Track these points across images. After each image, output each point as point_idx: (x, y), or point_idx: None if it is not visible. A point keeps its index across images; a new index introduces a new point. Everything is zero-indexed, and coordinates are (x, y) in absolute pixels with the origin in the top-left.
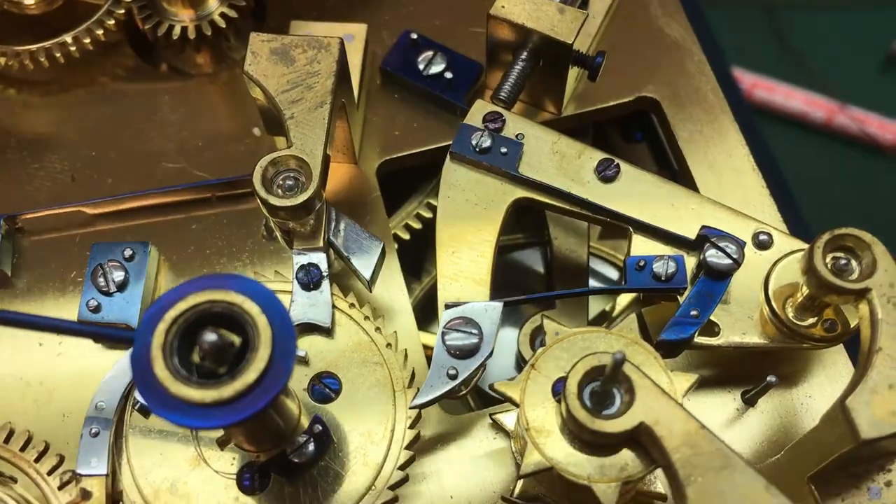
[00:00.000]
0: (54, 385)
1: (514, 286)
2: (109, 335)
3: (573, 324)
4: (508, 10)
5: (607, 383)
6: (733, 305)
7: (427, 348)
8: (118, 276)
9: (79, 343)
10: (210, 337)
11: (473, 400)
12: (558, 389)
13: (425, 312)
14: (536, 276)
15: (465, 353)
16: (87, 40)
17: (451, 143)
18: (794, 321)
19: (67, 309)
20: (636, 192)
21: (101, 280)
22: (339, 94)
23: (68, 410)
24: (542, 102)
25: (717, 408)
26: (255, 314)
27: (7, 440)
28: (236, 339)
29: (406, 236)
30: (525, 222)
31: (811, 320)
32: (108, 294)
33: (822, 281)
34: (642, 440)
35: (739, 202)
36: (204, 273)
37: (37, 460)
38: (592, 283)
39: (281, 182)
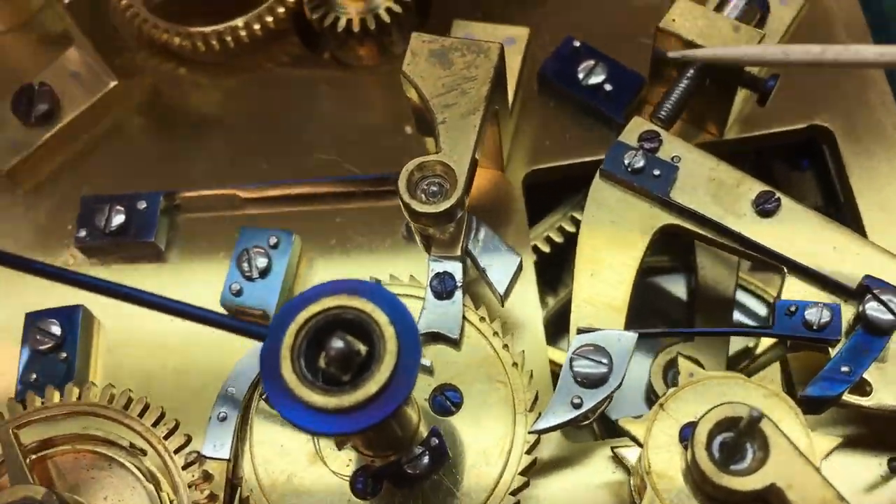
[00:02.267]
0: (193, 357)
1: (653, 311)
2: (245, 330)
3: (712, 360)
4: (679, 24)
5: (741, 437)
6: (890, 365)
7: (554, 364)
8: (261, 262)
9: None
10: (338, 344)
11: (598, 428)
12: (686, 435)
13: (557, 327)
14: (678, 304)
15: (592, 382)
16: (257, 26)
17: (603, 158)
18: None
19: (213, 287)
20: (796, 231)
21: (246, 265)
22: (494, 101)
23: (202, 384)
24: (703, 122)
25: (861, 472)
26: (383, 324)
27: (141, 414)
28: (363, 348)
29: (546, 249)
30: (673, 246)
31: None
32: (250, 279)
33: None
34: (771, 503)
35: None
36: (342, 268)
37: (166, 437)
38: (738, 316)
39: (425, 187)
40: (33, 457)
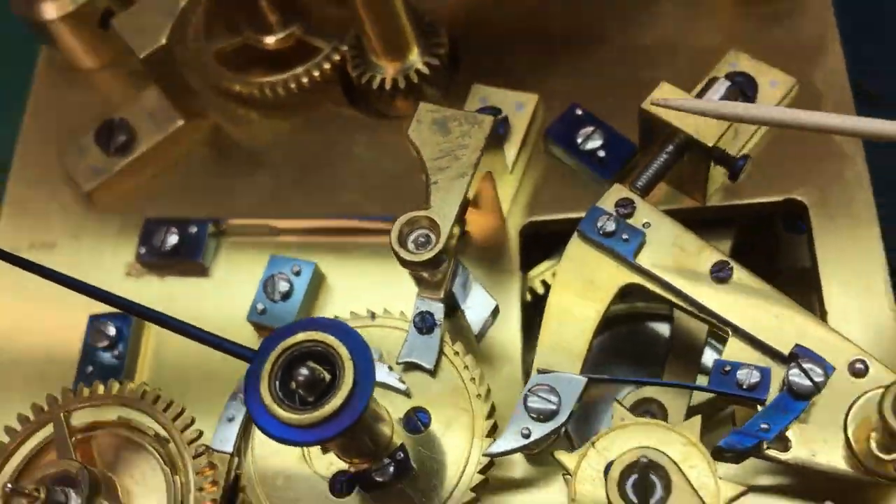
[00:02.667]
0: (220, 365)
1: (637, 356)
2: (237, 353)
3: (676, 403)
4: (658, 107)
5: (646, 478)
6: (811, 425)
7: None
8: (283, 287)
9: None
10: (304, 371)
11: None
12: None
13: None
14: (663, 349)
15: (542, 417)
16: (306, 79)
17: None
18: (871, 454)
19: (247, 302)
20: (743, 298)
21: (270, 289)
22: (485, 166)
23: (225, 389)
24: (688, 190)
25: None
26: (344, 357)
27: (165, 409)
28: (327, 376)
29: (541, 291)
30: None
31: (891, 457)
32: (273, 301)
33: (886, 426)
34: None
35: (861, 328)
36: (357, 296)
37: (183, 430)
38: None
39: (415, 238)
40: (79, 436)
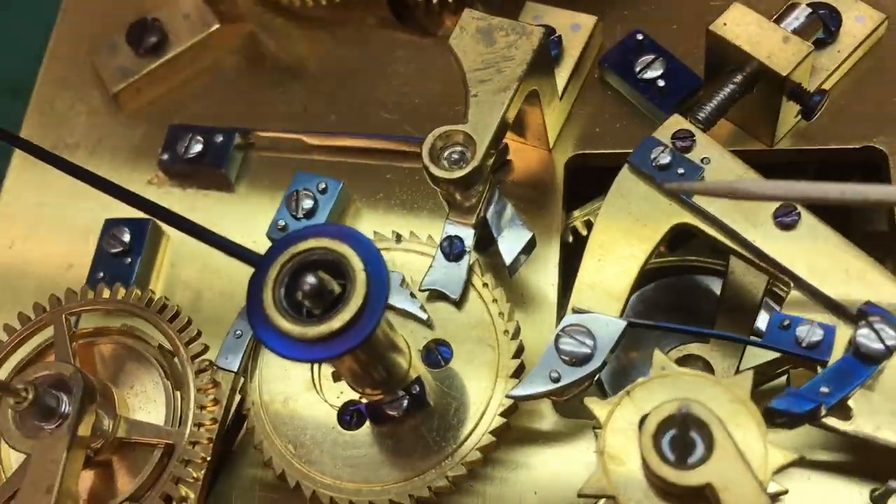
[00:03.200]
0: (237, 283)
1: (684, 310)
2: (243, 256)
3: (724, 362)
4: (730, 28)
5: (685, 434)
6: (877, 395)
7: None
8: (307, 204)
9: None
10: (311, 280)
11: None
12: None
13: None
14: (711, 304)
15: (573, 360)
16: None
17: None
18: None
19: (270, 218)
20: (810, 248)
21: (293, 205)
22: (530, 83)
23: (237, 306)
24: (755, 130)
25: (841, 499)
26: (356, 268)
27: (171, 320)
28: (336, 287)
29: (584, 232)
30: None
31: None
32: (296, 218)
33: None
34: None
35: None
36: (384, 220)
37: (188, 343)
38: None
39: (447, 155)
40: (81, 342)
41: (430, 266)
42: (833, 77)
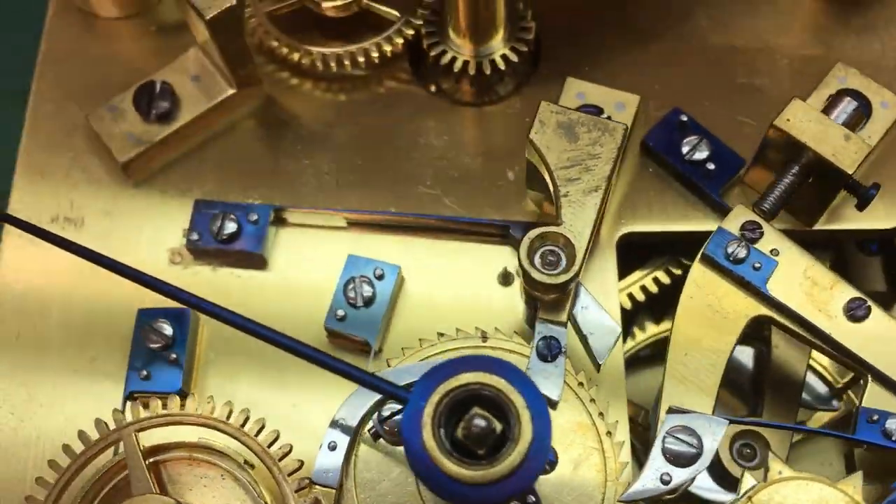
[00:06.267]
0: (291, 373)
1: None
2: (388, 392)
3: (776, 438)
4: (794, 124)
5: None
6: None
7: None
8: (367, 291)
9: (316, 335)
10: (481, 423)
11: None
12: None
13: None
14: (744, 375)
15: (681, 461)
16: (376, 54)
17: (694, 229)
18: None
19: (312, 300)
20: (883, 340)
21: (352, 293)
22: (615, 181)
23: (298, 400)
24: (796, 211)
25: None
26: (520, 407)
27: (258, 434)
28: (499, 426)
29: (627, 305)
30: None
31: None
32: (355, 307)
33: None
34: None
35: None
36: (437, 305)
37: (280, 459)
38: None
39: (542, 255)
40: (150, 460)
41: (528, 368)
42: (865, 161)
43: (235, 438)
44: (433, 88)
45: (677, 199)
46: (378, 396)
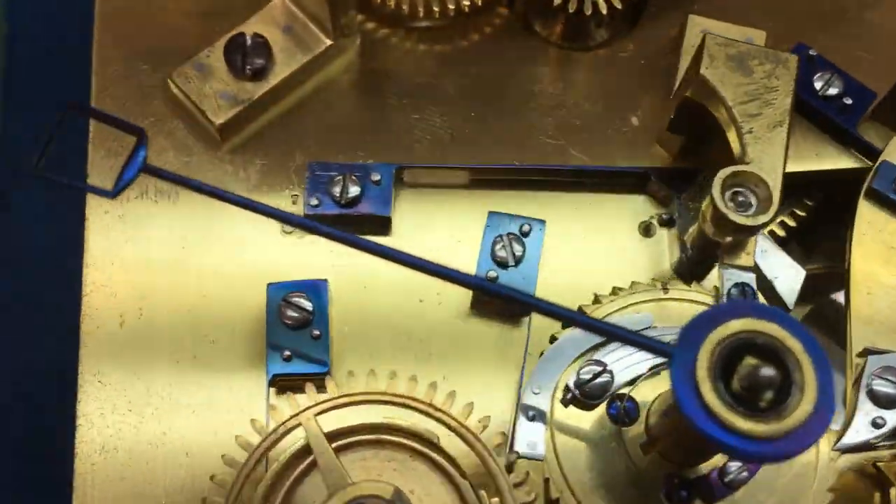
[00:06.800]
0: (431, 341)
1: None
2: (649, 347)
3: None
4: None
5: None
6: None
7: None
8: (518, 250)
9: (458, 300)
10: (768, 372)
11: None
12: None
13: None
14: None
15: (893, 403)
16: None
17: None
18: None
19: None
20: None
21: (502, 252)
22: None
23: (448, 371)
24: None
25: None
26: (798, 352)
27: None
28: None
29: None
30: None
31: None
32: (505, 267)
33: None
34: None
35: None
36: (582, 260)
37: (481, 433)
38: None
39: (732, 196)
40: (333, 446)
41: None
42: None
43: (428, 416)
44: (542, 33)
45: (807, 137)
46: (572, 359)
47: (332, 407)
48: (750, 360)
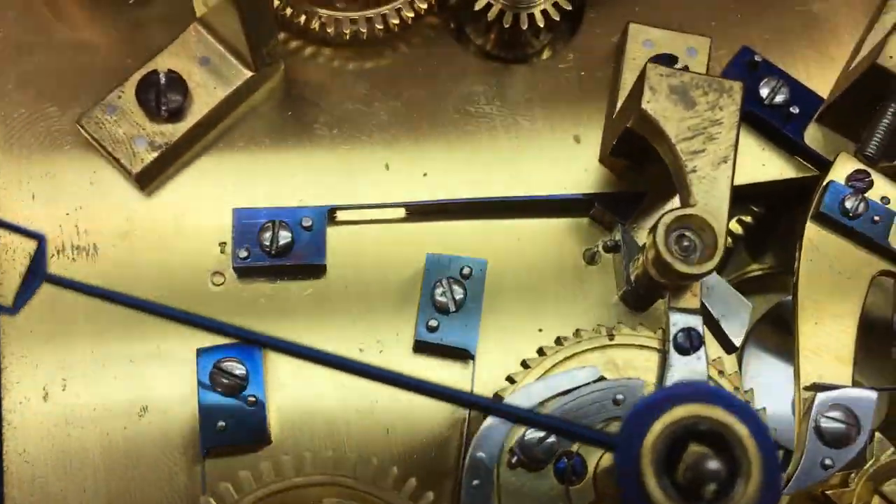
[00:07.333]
0: (375, 395)
1: None
2: (593, 439)
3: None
4: None
5: None
6: None
7: None
8: (459, 293)
9: (399, 358)
10: (713, 465)
11: None
12: None
13: None
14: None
15: (840, 442)
16: (410, 13)
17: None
18: None
19: (384, 311)
20: None
21: (442, 298)
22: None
23: (391, 424)
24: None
25: None
26: (744, 438)
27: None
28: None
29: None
30: None
31: None
32: (446, 313)
33: None
34: None
35: None
36: (526, 295)
37: None
38: None
39: (676, 240)
40: None
41: (669, 365)
42: None
43: (377, 498)
44: (471, 48)
45: (751, 148)
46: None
47: (274, 492)
48: (695, 448)
